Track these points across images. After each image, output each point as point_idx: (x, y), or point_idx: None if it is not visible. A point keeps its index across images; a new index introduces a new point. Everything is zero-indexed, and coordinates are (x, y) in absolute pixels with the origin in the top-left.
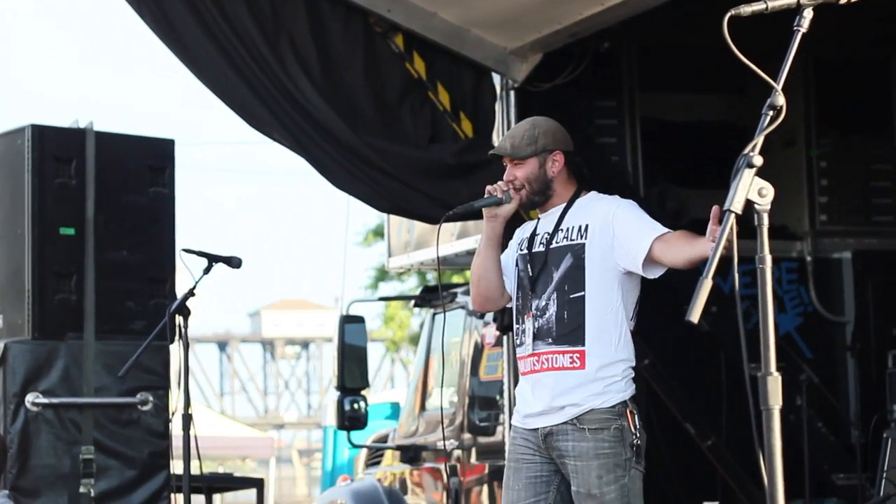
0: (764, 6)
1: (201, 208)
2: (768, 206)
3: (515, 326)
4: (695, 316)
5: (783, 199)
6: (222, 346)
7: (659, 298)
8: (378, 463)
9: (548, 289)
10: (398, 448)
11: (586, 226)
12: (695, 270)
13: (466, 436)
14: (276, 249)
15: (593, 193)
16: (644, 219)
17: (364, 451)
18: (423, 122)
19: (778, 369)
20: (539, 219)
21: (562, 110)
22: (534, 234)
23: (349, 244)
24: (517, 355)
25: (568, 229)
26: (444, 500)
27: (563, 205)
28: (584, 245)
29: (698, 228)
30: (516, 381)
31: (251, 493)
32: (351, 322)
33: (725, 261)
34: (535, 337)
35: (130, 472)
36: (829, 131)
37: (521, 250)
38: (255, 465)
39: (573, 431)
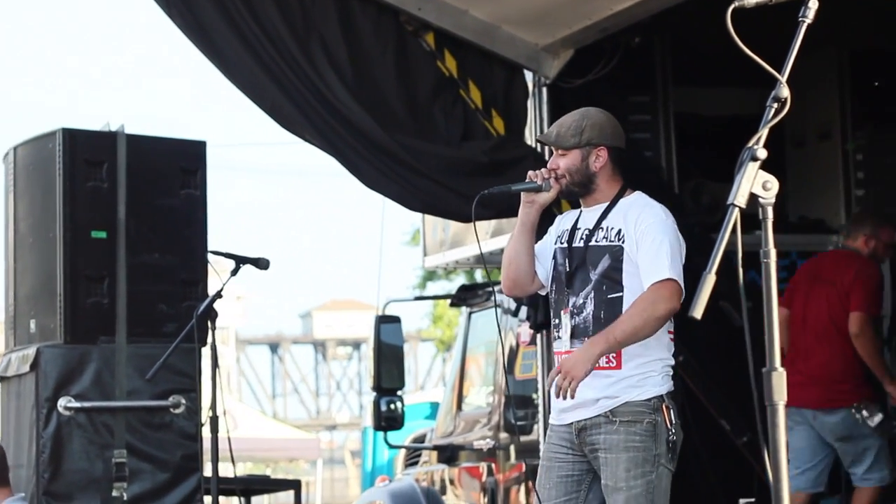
0: None
1: (252, 209)
2: (773, 200)
3: (553, 321)
4: (698, 311)
5: (819, 193)
6: (274, 347)
7: (692, 295)
8: (416, 463)
9: (585, 287)
10: (435, 448)
11: (623, 232)
12: (732, 270)
13: (503, 435)
14: (326, 250)
15: (638, 195)
16: (660, 253)
17: (403, 452)
18: (455, 120)
19: None
20: (581, 212)
21: (594, 106)
22: (574, 228)
23: (396, 244)
24: (554, 350)
25: (608, 229)
26: (481, 499)
27: (607, 203)
28: (622, 248)
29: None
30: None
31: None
32: (387, 322)
33: (757, 256)
34: (572, 335)
35: (163, 475)
36: (865, 124)
37: (561, 243)
38: (307, 466)
39: (606, 424)
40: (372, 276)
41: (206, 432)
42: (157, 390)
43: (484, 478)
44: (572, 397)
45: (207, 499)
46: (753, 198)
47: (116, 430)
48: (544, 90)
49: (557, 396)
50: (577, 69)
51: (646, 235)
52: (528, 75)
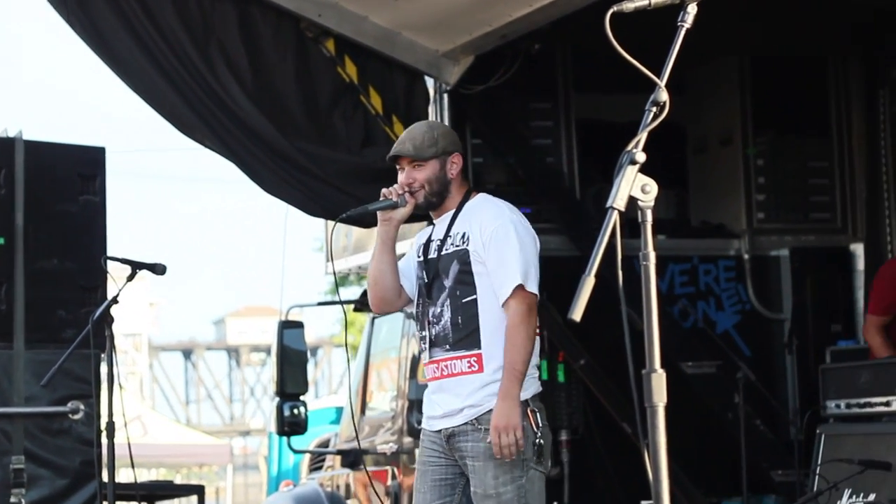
0: (647, 2)
1: (166, 216)
2: (651, 203)
3: (419, 334)
4: (577, 314)
5: (721, 198)
6: (187, 354)
7: (594, 298)
8: (321, 468)
9: (441, 296)
10: (339, 452)
11: (468, 235)
12: (633, 272)
13: (406, 439)
14: (240, 257)
15: (482, 196)
16: (510, 260)
17: (308, 457)
18: (356, 126)
19: (716, 367)
20: (434, 225)
21: (496, 112)
22: (429, 241)
23: (307, 250)
24: (423, 362)
25: (455, 235)
26: (385, 503)
27: (454, 210)
28: (467, 251)
29: (634, 227)
30: None
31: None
32: (289, 327)
33: (660, 260)
34: (434, 344)
35: (62, 481)
36: (766, 129)
37: (419, 257)
38: (220, 471)
39: (472, 432)
40: (286, 284)
41: (104, 439)
42: (56, 396)
43: (388, 482)
44: (519, 449)
45: None
46: (633, 201)
47: (14, 436)
48: (445, 96)
49: (505, 455)
50: (477, 75)
51: (492, 240)
52: (429, 81)
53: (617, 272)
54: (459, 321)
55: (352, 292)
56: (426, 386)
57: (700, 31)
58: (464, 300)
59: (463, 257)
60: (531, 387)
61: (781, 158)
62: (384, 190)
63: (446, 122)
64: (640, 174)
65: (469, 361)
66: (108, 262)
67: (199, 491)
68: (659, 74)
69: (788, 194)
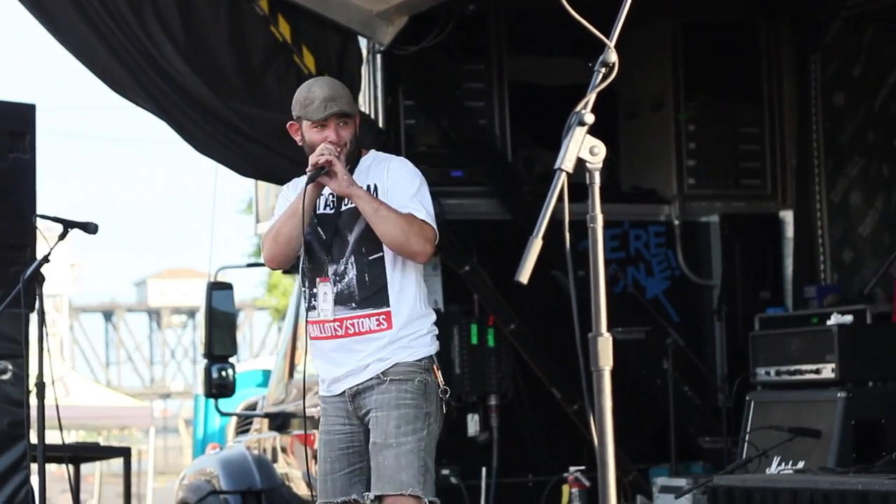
0: None
1: (87, 177)
2: (600, 165)
3: (307, 290)
4: (524, 276)
5: (652, 163)
6: (108, 315)
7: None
8: (248, 431)
9: (344, 252)
10: (266, 416)
11: (375, 186)
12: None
13: None
14: (162, 218)
15: (374, 153)
16: (416, 199)
17: (234, 420)
18: (289, 86)
19: (645, 333)
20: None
21: (429, 74)
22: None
23: (231, 212)
24: (309, 319)
25: None
26: (312, 467)
27: (348, 166)
28: None
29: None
30: None
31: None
32: (218, 289)
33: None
34: (336, 302)
35: None
36: (698, 95)
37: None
38: (140, 434)
39: (378, 385)
40: (207, 245)
41: (33, 399)
42: None
43: (315, 445)
44: (329, 165)
45: (34, 466)
46: (581, 163)
47: None
48: (378, 57)
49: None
50: (411, 36)
51: (398, 182)
52: (363, 42)
53: (564, 236)
54: (366, 279)
55: None
56: None
57: None
58: (370, 257)
59: None
60: (434, 344)
61: (712, 124)
62: (321, 158)
63: (379, 84)
64: (588, 136)
65: (378, 319)
66: (39, 220)
67: (125, 453)
68: (597, 39)
69: (719, 160)
